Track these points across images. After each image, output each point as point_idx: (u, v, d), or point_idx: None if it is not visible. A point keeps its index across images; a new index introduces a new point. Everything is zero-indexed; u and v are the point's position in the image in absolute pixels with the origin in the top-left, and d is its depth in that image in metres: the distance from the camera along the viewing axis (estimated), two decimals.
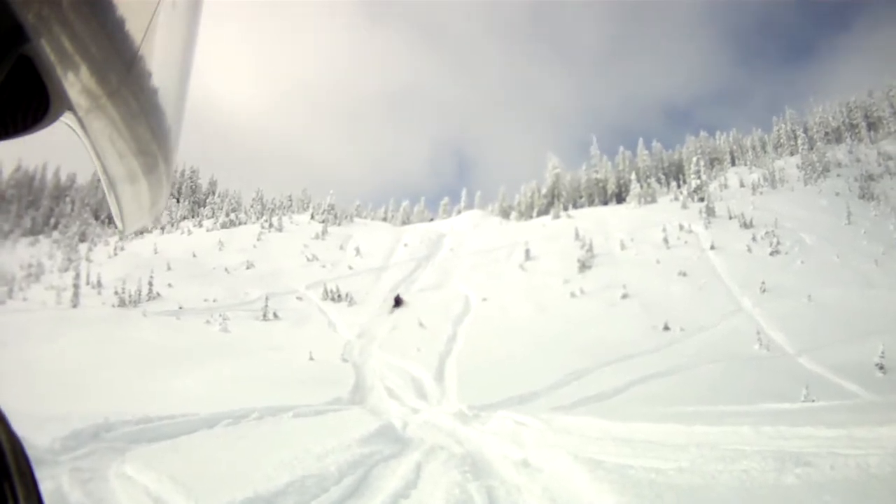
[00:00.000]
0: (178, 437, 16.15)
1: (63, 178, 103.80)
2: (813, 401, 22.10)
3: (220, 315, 44.49)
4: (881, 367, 28.63)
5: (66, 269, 65.33)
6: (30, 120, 0.84)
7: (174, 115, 0.98)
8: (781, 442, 13.49)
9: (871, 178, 76.05)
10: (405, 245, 72.99)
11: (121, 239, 78.99)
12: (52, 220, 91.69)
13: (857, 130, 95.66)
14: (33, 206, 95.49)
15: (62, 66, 0.73)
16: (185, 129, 1.09)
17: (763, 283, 46.98)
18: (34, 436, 12.65)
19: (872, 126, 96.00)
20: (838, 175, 78.76)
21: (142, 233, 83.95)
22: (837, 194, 71.19)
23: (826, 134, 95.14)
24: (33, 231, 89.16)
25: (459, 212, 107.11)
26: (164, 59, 0.86)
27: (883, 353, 28.75)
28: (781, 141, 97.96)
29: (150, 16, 0.78)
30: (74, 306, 50.10)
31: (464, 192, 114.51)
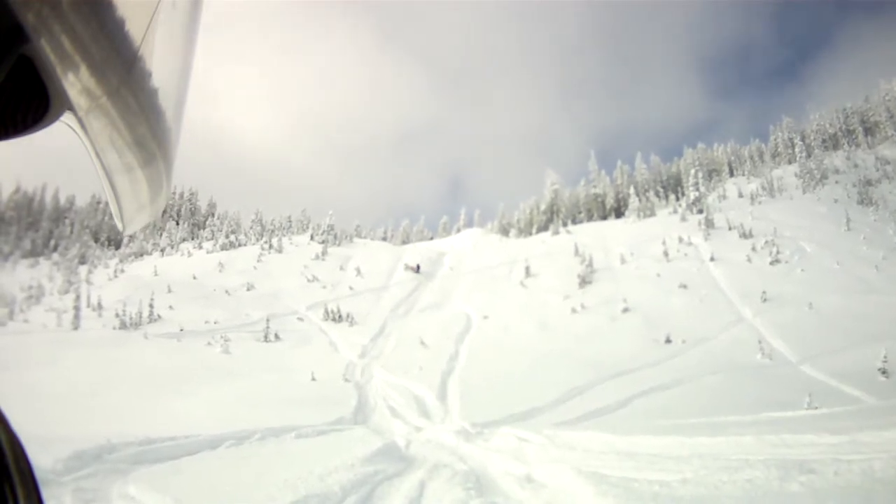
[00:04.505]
0: (180, 458, 16.14)
1: (62, 199, 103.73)
2: (816, 408, 22.09)
3: (222, 337, 44.37)
4: (884, 372, 28.66)
5: (67, 292, 65.13)
6: (30, 120, 0.84)
7: (174, 114, 0.98)
8: (785, 450, 13.48)
9: (869, 183, 75.94)
10: (406, 264, 72.89)
11: (121, 261, 79.03)
12: (52, 242, 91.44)
13: (854, 136, 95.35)
14: (33, 228, 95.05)
15: (62, 66, 0.72)
16: (183, 133, 1.09)
17: (764, 292, 47.02)
18: (37, 456, 12.59)
19: (869, 131, 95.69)
20: (836, 182, 78.62)
21: (141, 255, 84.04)
22: (836, 201, 71.17)
23: (823, 141, 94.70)
24: (33, 253, 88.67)
25: (459, 230, 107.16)
26: (164, 59, 0.86)
27: (885, 357, 28.80)
28: (779, 150, 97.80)
29: (150, 16, 0.78)
30: (75, 328, 50.00)
31: (463, 211, 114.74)
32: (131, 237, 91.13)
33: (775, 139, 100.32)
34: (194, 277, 67.34)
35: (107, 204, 1.09)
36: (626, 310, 48.33)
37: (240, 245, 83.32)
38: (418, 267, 70.78)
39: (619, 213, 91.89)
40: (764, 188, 79.76)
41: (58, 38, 0.69)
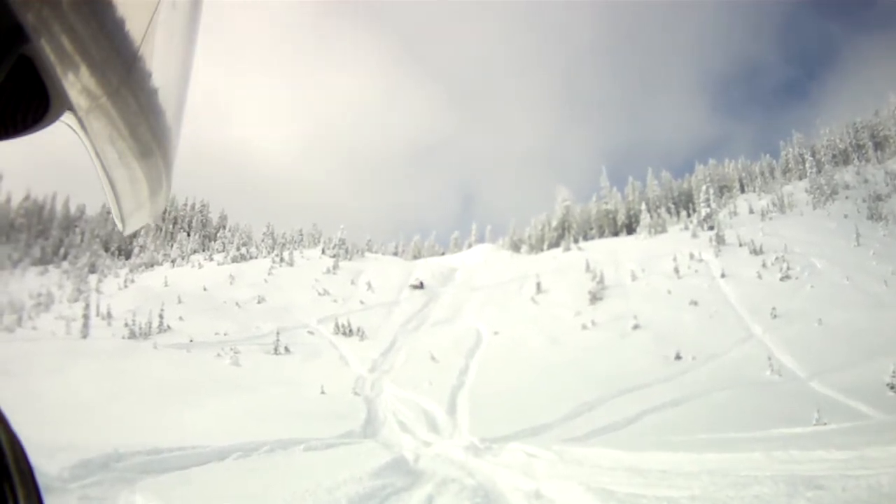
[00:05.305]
0: (188, 468, 16.15)
1: (73, 208, 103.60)
2: (825, 424, 22.03)
3: (232, 349, 44.44)
4: (892, 387, 28.60)
5: (76, 300, 64.77)
6: (30, 120, 0.84)
7: (174, 114, 0.99)
8: (793, 466, 13.44)
9: (878, 198, 75.52)
10: (411, 284, 72.92)
11: (131, 271, 79.10)
12: (62, 251, 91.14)
13: (864, 151, 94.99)
14: (43, 236, 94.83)
15: (62, 66, 0.72)
16: (184, 132, 1.10)
17: (774, 308, 46.89)
18: (44, 464, 12.65)
19: (879, 146, 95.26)
20: (846, 197, 78.52)
21: (152, 265, 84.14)
22: (846, 216, 71.00)
23: (834, 156, 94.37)
24: (43, 261, 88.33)
25: (470, 245, 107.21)
26: (164, 59, 0.87)
27: (894, 372, 28.71)
28: (790, 166, 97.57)
29: (150, 16, 0.78)
30: (84, 337, 50.01)
31: (474, 226, 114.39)
32: (142, 247, 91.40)
33: (786, 155, 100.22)
34: (205, 289, 67.42)
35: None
36: (636, 326, 48.25)
37: (251, 258, 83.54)
38: (422, 283, 71.03)
39: (630, 229, 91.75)
40: (774, 204, 79.72)
41: (58, 38, 0.68)
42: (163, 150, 1.00)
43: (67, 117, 0.85)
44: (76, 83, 0.75)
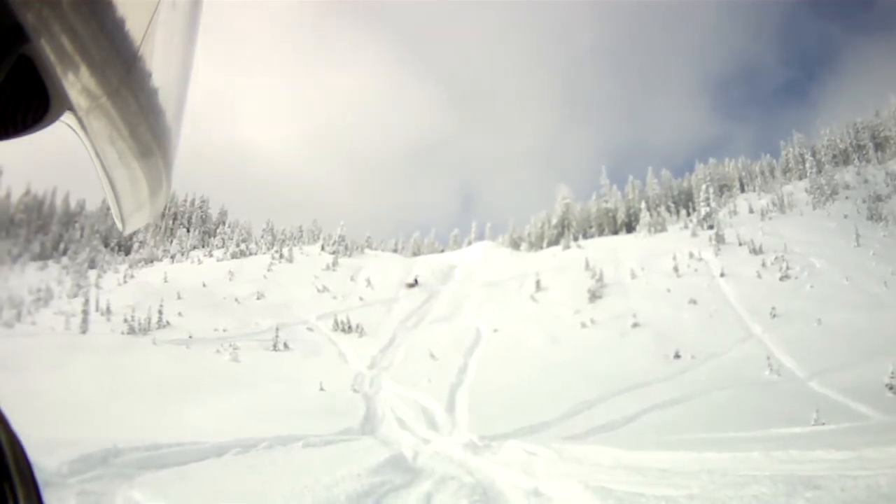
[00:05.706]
0: (187, 464, 16.15)
1: (73, 203, 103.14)
2: (823, 424, 22.04)
3: (231, 345, 44.48)
4: (891, 388, 28.53)
5: (76, 296, 64.50)
6: (30, 120, 0.84)
7: (174, 114, 0.99)
8: (792, 466, 13.43)
9: (878, 198, 75.19)
10: (413, 277, 72.86)
11: (130, 267, 79.02)
12: (62, 246, 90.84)
13: (864, 151, 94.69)
14: (42, 231, 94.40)
15: (62, 66, 0.72)
16: (184, 131, 1.10)
17: (773, 308, 46.83)
18: (43, 459, 12.64)
19: (880, 146, 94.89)
20: (847, 197, 78.28)
21: (151, 261, 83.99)
22: (846, 217, 70.79)
23: (834, 156, 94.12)
24: (42, 256, 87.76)
25: (470, 243, 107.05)
26: (164, 59, 0.87)
27: (893, 373, 28.67)
28: (790, 165, 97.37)
29: (150, 16, 0.78)
30: (83, 332, 50.05)
31: (474, 224, 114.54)
32: (142, 243, 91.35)
33: (786, 155, 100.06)
34: (204, 285, 67.31)
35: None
36: (635, 325, 48.24)
37: (250, 254, 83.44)
38: (416, 280, 70.97)
39: (630, 227, 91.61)
40: (774, 204, 79.63)
41: (58, 38, 0.68)
42: (163, 150, 1.00)
43: (67, 117, 0.85)
44: (76, 83, 0.75)
